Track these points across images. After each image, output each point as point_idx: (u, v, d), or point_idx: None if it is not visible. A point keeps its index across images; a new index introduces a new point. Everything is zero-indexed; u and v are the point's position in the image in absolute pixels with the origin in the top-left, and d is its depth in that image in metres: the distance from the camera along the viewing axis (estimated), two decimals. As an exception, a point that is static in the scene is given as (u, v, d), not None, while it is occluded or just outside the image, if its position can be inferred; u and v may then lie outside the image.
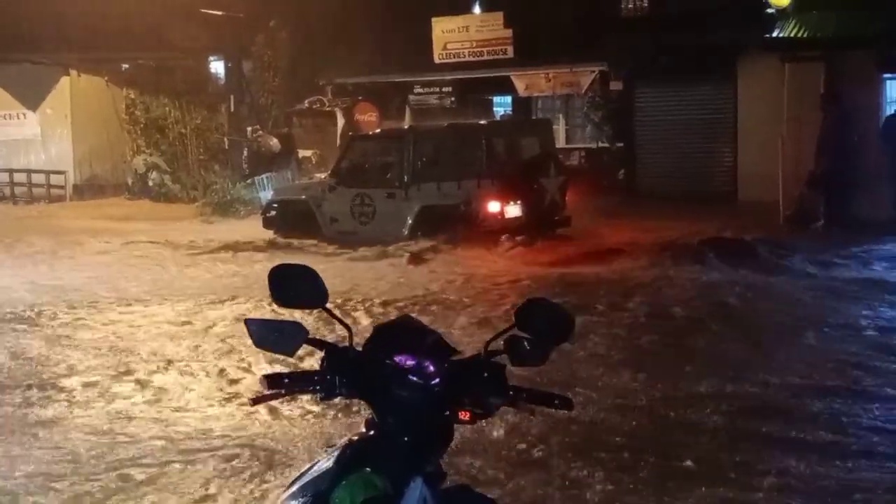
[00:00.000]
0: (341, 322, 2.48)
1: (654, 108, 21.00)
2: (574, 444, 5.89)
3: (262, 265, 12.96)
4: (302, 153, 24.45)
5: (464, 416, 2.35)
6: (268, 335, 2.46)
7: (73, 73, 25.57)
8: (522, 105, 23.24)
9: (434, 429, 2.34)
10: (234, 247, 15.40)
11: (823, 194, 17.18)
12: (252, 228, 17.17)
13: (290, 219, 16.24)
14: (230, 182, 23.50)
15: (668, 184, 19.27)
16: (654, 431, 6.22)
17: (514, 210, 14.82)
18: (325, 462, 2.27)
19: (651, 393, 6.98)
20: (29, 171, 25.40)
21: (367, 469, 2.20)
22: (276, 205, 16.91)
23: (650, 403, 6.76)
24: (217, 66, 26.58)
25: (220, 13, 23.82)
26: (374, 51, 23.02)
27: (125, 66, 25.75)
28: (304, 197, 16.42)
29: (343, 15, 23.03)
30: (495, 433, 5.89)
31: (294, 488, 2.25)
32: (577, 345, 8.03)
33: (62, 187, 24.99)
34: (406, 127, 20.29)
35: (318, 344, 2.44)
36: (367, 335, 2.45)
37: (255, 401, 2.52)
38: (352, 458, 2.25)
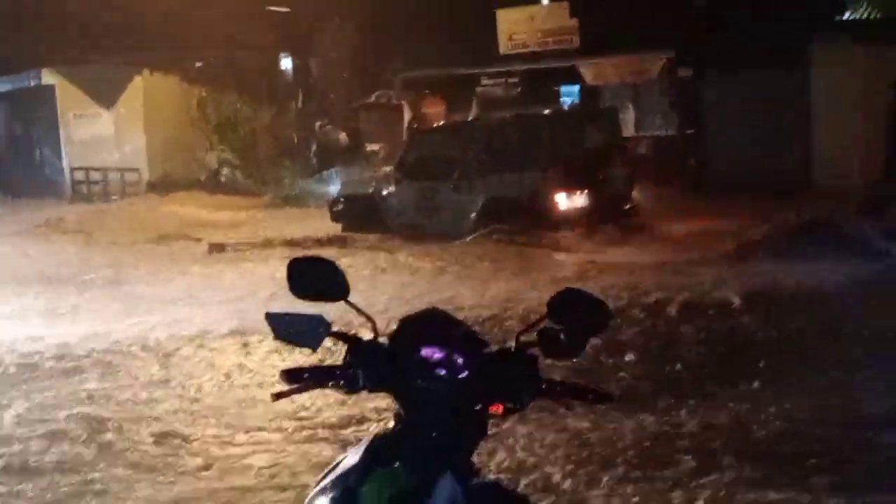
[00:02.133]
0: (364, 315, 2.42)
1: (723, 95, 20.62)
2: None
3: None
4: (369, 147, 24.60)
5: (496, 410, 2.30)
6: (289, 328, 2.42)
7: (146, 72, 26.08)
8: (590, 94, 23.06)
9: (464, 423, 2.27)
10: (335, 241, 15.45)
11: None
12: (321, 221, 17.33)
13: (357, 213, 16.36)
14: (299, 177, 23.81)
15: (739, 171, 18.92)
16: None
17: (579, 201, 14.68)
18: (353, 457, 2.24)
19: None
20: (104, 170, 25.98)
21: (396, 464, 2.17)
22: (343, 199, 17.04)
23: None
24: (285, 63, 26.84)
25: (286, 10, 24.07)
26: (440, 43, 23.04)
27: (197, 63, 26.15)
28: (369, 191, 16.53)
29: (409, 8, 23.09)
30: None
31: (323, 484, 2.22)
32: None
33: (136, 184, 25.50)
34: (469, 119, 20.27)
35: (342, 337, 2.40)
36: (393, 328, 2.38)
37: (277, 396, 2.49)
38: (379, 452, 2.21)
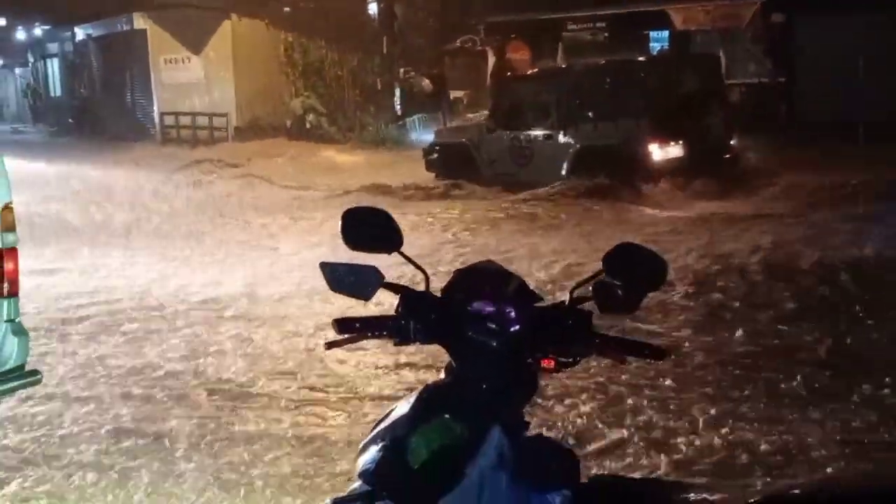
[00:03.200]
0: (418, 266, 2.41)
1: (817, 41, 20.14)
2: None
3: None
4: (453, 94, 24.61)
5: (548, 364, 2.27)
6: (343, 279, 2.43)
7: (234, 16, 26.33)
8: (680, 40, 22.70)
9: (515, 376, 2.26)
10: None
11: None
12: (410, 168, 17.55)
13: (451, 161, 16.46)
14: (383, 123, 23.94)
15: (832, 120, 18.53)
16: None
17: (675, 150, 14.51)
18: (403, 407, 2.24)
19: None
20: (193, 115, 26.41)
21: (446, 415, 2.15)
22: (437, 147, 17.16)
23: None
24: (372, 8, 26.89)
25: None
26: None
27: (286, 9, 26.32)
28: (463, 140, 16.60)
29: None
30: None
31: (374, 433, 2.24)
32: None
33: (224, 129, 25.89)
34: (561, 66, 20.13)
35: (395, 288, 2.39)
36: (447, 280, 2.36)
37: (330, 345, 2.52)
38: (429, 403, 2.21)
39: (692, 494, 2.22)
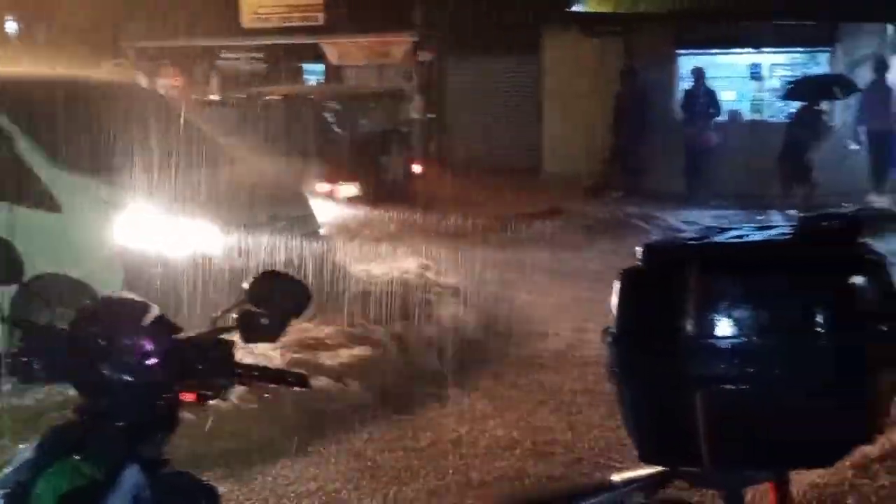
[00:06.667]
0: (43, 300, 2.44)
1: (462, 80, 21.31)
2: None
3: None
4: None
5: (188, 397, 2.25)
6: None
7: None
8: (336, 74, 23.13)
9: (153, 412, 2.21)
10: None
11: (620, 166, 18.12)
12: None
13: None
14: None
15: (478, 157, 19.58)
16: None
17: (349, 190, 14.20)
18: (27, 451, 2.14)
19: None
20: None
21: (75, 457, 2.08)
22: None
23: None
24: (9, 26, 25.13)
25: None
26: (180, 12, 22.28)
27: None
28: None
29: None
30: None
31: None
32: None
33: None
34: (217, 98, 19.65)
35: (14, 322, 2.26)
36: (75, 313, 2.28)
37: None
38: (56, 445, 2.12)
39: None
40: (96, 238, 7.25)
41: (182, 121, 8.71)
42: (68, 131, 7.73)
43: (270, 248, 7.60)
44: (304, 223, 8.51)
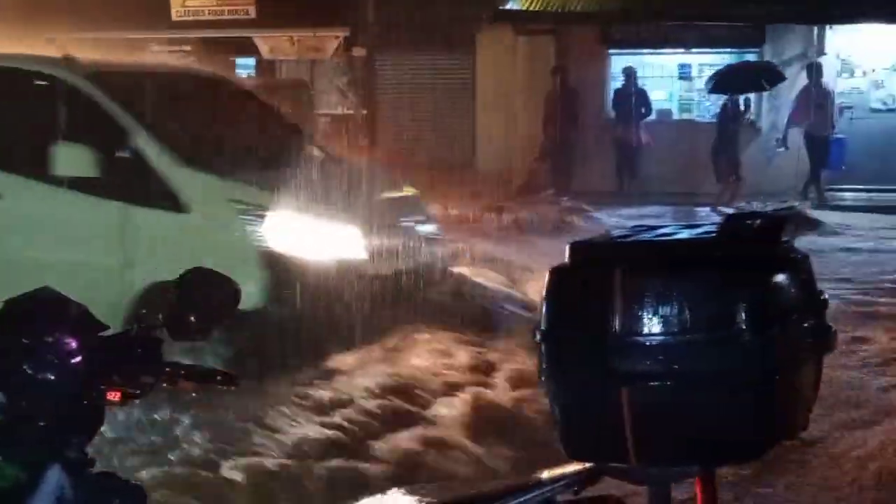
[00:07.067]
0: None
1: (394, 77, 21.29)
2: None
3: None
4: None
5: (113, 396, 2.21)
6: None
7: None
8: (268, 68, 22.92)
9: (77, 411, 2.17)
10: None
11: (551, 165, 18.27)
12: None
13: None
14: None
15: (412, 152, 19.60)
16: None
17: None
18: None
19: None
20: None
21: None
22: None
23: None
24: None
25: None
26: (106, 4, 21.87)
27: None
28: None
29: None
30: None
31: None
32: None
33: None
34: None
35: None
36: None
37: None
38: None
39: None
40: (230, 241, 6.70)
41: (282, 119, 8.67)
42: (192, 127, 7.37)
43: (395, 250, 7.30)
44: (425, 227, 8.29)
